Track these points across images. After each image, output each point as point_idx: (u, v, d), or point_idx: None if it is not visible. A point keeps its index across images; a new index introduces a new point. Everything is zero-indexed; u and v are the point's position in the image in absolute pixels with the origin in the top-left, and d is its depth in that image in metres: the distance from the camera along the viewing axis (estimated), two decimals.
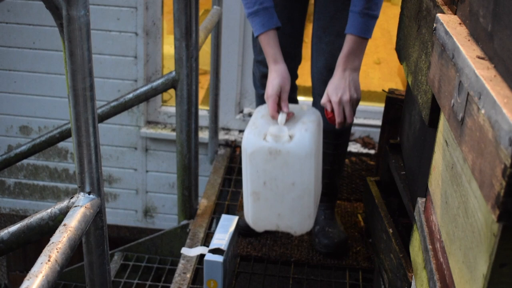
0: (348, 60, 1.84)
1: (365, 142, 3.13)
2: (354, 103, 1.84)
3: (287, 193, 1.79)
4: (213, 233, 2.36)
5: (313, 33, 2.05)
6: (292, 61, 2.08)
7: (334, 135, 2.16)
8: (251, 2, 1.82)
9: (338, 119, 1.82)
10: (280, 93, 1.82)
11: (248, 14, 1.84)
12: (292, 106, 1.87)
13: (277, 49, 1.85)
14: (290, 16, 2.04)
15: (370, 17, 1.84)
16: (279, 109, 1.81)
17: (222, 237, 1.97)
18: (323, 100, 1.86)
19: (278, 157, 1.74)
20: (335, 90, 1.82)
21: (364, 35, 1.85)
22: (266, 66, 2.06)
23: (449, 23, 1.13)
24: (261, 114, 1.85)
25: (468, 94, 0.92)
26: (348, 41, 1.84)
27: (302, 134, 1.76)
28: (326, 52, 1.99)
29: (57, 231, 1.17)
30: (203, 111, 3.10)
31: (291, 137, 1.74)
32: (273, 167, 1.75)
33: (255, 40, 2.09)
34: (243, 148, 1.78)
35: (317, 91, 2.10)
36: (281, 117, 1.78)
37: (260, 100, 2.22)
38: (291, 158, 1.74)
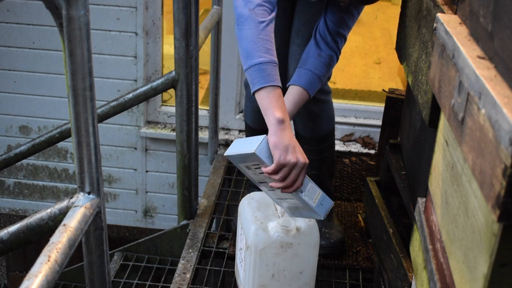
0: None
1: (365, 142, 3.13)
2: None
3: (294, 282, 1.83)
4: (213, 233, 2.36)
5: (290, 38, 2.06)
6: (284, 59, 2.08)
7: (316, 141, 2.16)
8: (274, 52, 1.64)
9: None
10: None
11: (270, 61, 1.62)
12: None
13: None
14: (281, 14, 2.04)
15: (320, 83, 1.90)
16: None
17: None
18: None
19: (289, 249, 1.78)
20: None
21: (311, 93, 1.88)
22: None
23: (450, 23, 1.13)
24: (255, 206, 1.85)
25: (468, 94, 0.92)
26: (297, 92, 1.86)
27: (309, 225, 1.80)
28: (297, 53, 1.99)
29: (56, 231, 1.17)
30: (203, 111, 3.10)
31: (297, 228, 1.78)
32: (283, 259, 1.79)
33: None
34: (252, 245, 1.77)
35: None
36: (280, 209, 1.81)
37: (256, 114, 2.16)
38: (302, 249, 1.79)
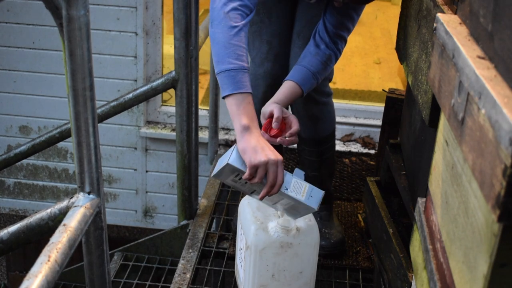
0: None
1: (365, 142, 3.13)
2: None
3: (294, 281, 1.83)
4: (213, 233, 2.36)
5: (292, 39, 2.06)
6: (284, 60, 2.08)
7: (316, 142, 2.16)
8: (245, 57, 1.65)
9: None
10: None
11: (241, 67, 1.62)
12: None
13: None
14: (281, 15, 2.04)
15: (316, 81, 1.88)
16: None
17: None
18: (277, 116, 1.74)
19: (289, 249, 1.78)
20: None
21: (304, 89, 1.86)
22: (271, 77, 2.06)
23: (450, 23, 1.13)
24: (255, 206, 1.85)
25: (468, 94, 0.92)
26: (291, 87, 1.84)
27: (309, 225, 1.81)
28: (299, 55, 2.00)
29: (56, 231, 1.17)
30: (203, 111, 3.10)
31: (298, 228, 1.78)
32: (283, 259, 1.79)
33: (255, 48, 2.07)
34: (252, 245, 1.77)
35: None
36: (280, 209, 1.80)
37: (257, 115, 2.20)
38: (302, 249, 1.79)
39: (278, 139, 1.71)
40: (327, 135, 2.17)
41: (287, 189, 1.64)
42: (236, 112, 1.61)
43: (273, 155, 1.59)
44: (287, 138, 1.73)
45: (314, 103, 2.05)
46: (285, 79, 1.87)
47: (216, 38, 1.64)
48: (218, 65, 1.64)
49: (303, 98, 2.05)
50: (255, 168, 1.58)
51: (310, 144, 2.17)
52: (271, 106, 1.76)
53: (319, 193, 1.68)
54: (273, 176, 1.59)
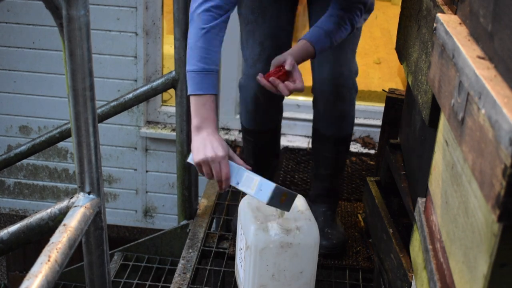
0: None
1: (365, 142, 3.13)
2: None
3: (294, 281, 1.84)
4: (213, 233, 2.36)
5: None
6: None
7: (335, 140, 2.15)
8: (209, 59, 1.71)
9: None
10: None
11: (201, 69, 1.70)
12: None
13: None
14: (272, 13, 2.03)
15: (329, 39, 1.86)
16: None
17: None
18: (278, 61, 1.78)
19: (289, 249, 1.78)
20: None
21: (316, 47, 1.85)
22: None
23: (449, 23, 1.13)
24: (255, 206, 1.86)
25: (468, 94, 0.92)
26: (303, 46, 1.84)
27: (309, 225, 1.81)
28: (330, 58, 1.99)
29: (56, 231, 1.17)
30: None
31: (298, 228, 1.79)
32: (283, 259, 1.79)
33: (248, 47, 2.07)
34: (252, 245, 1.77)
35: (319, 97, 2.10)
36: (280, 210, 1.80)
37: (250, 115, 2.21)
38: (302, 249, 1.79)
39: (272, 79, 1.74)
40: (347, 135, 2.17)
41: (238, 184, 1.70)
42: (192, 112, 1.72)
43: (213, 152, 1.67)
44: (280, 85, 1.75)
45: (342, 100, 2.06)
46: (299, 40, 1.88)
47: (188, 38, 1.73)
48: (186, 65, 1.73)
49: (332, 95, 2.04)
50: (199, 166, 1.70)
51: (329, 140, 2.15)
52: (284, 56, 1.78)
53: (269, 187, 1.67)
54: (215, 171, 1.68)
